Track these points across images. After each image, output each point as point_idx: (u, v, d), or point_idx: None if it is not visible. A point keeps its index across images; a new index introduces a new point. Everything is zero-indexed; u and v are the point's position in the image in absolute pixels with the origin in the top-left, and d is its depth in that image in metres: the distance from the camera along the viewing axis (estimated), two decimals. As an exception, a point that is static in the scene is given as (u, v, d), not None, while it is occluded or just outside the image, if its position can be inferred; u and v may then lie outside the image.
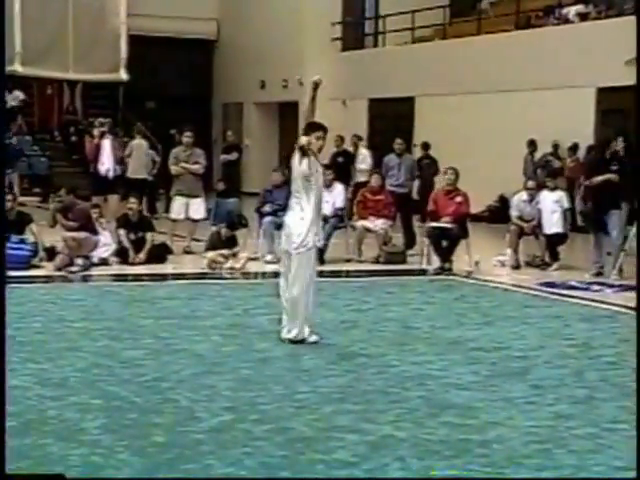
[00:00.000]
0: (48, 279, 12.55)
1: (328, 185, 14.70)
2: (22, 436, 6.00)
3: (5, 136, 22.70)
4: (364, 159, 19.74)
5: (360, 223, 14.68)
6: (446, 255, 13.75)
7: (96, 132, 20.02)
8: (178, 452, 5.78)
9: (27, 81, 24.90)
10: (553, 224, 14.21)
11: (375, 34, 25.91)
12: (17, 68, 22.81)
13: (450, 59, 22.09)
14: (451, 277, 13.40)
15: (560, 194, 14.45)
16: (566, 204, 14.39)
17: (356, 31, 26.38)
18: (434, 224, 13.87)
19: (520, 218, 14.48)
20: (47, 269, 13.01)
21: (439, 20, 24.17)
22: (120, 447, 5.83)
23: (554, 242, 14.23)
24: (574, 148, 18.53)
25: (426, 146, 19.77)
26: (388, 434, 6.18)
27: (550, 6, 20.85)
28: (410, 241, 15.39)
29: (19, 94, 24.65)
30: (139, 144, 18.69)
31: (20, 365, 7.79)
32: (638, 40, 11.27)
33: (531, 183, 14.87)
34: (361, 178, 18.60)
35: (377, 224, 14.57)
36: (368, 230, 14.68)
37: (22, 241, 13.07)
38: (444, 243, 13.79)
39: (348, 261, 14.52)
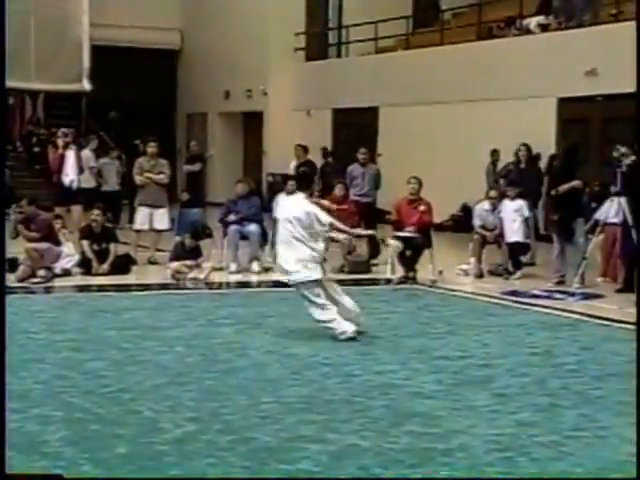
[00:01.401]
0: (10, 290, 12.45)
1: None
2: (-17, 449, 5.95)
3: None
4: None
5: (324, 233, 14.67)
6: (410, 264, 13.79)
7: (60, 142, 19.89)
8: (141, 464, 5.76)
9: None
10: (514, 233, 14.32)
11: (339, 44, 26.00)
12: (-22, 78, 22.64)
13: (413, 69, 22.21)
14: (415, 286, 13.45)
15: (520, 203, 14.56)
16: (526, 213, 14.51)
17: (320, 41, 26.46)
18: (398, 233, 13.91)
19: (483, 227, 14.58)
20: (9, 280, 12.90)
21: (402, 30, 24.30)
22: (82, 459, 5.80)
23: (516, 251, 14.34)
24: (536, 158, 18.66)
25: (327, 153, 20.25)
26: (352, 443, 6.19)
27: (512, 17, 21.02)
28: (374, 250, 15.42)
29: None
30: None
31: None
32: (638, 42, 11.36)
33: (493, 192, 14.99)
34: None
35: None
36: (332, 239, 14.66)
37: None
38: (408, 252, 13.84)
39: (312, 271, 14.50)
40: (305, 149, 19.85)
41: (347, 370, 8.30)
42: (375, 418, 6.77)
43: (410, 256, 13.84)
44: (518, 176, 15.73)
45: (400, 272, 13.87)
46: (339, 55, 25.95)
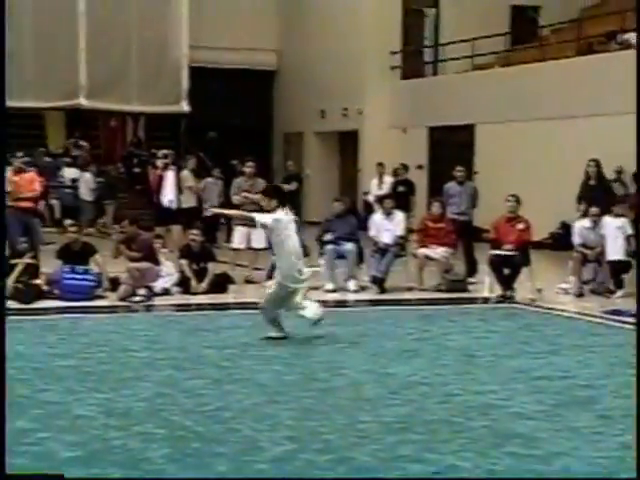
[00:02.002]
0: (112, 309, 12.70)
1: (388, 213, 14.74)
2: (88, 466, 6.06)
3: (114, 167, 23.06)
4: (388, 187, 19.84)
5: (421, 251, 14.64)
6: (508, 283, 13.64)
7: (159, 163, 20.27)
8: (241, 482, 5.79)
9: (92, 114, 25.32)
10: (616, 251, 14.04)
11: (435, 62, 25.93)
12: (82, 102, 23.21)
13: (511, 86, 22.00)
14: (514, 305, 13.27)
15: (623, 220, 14.28)
16: (629, 230, 14.21)
17: (416, 59, 26.42)
18: (496, 252, 13.78)
19: (583, 245, 14.33)
20: (111, 299, 13.16)
21: (500, 47, 24.11)
22: (184, 477, 5.85)
23: (618, 269, 14.05)
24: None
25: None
26: (452, 464, 6.12)
27: (612, 32, 20.68)
28: (472, 269, 15.30)
29: (83, 144, 25.18)
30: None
31: (85, 394, 7.87)
32: (638, 45, 11.11)
33: (594, 209, 14.71)
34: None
35: (438, 252, 14.52)
36: (429, 258, 14.63)
37: (86, 272, 13.24)
38: (506, 271, 13.69)
39: (409, 289, 14.47)
40: (405, 167, 19.97)
41: (446, 390, 8.22)
42: (475, 439, 6.68)
43: (508, 274, 13.69)
44: (587, 192, 15.47)
45: (498, 291, 13.72)
46: (435, 73, 25.87)
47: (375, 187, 20.25)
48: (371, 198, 19.33)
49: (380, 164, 20.91)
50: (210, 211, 12.75)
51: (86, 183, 22.76)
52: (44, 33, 22.44)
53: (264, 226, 10.48)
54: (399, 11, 25.55)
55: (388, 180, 20.27)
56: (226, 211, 12.19)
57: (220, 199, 19.10)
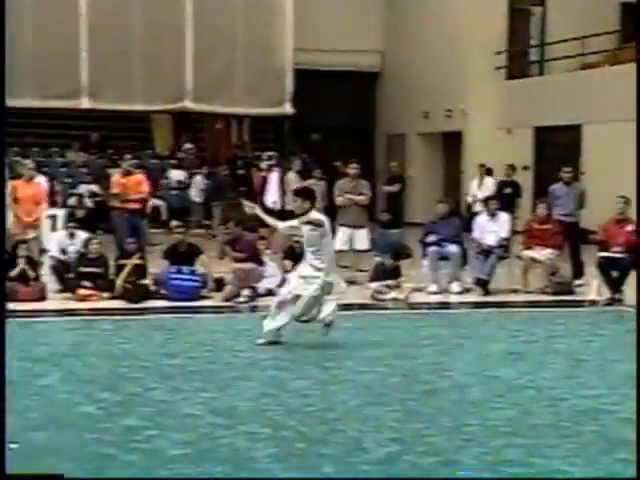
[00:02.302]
0: (217, 310, 12.85)
1: (493, 215, 14.59)
2: (196, 464, 6.15)
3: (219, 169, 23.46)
4: (488, 188, 19.44)
5: (526, 253, 14.45)
6: (617, 285, 13.37)
7: (263, 165, 20.44)
8: (346, 483, 5.80)
9: (197, 116, 25.68)
10: None
11: (541, 61, 25.55)
12: (188, 105, 23.56)
13: (620, 85, 21.51)
14: (622, 308, 13.00)
15: None
16: None
17: (521, 59, 26.09)
18: (605, 254, 13.52)
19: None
20: (216, 300, 13.32)
21: (608, 46, 23.62)
22: (290, 477, 5.89)
23: None
24: None
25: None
26: (559, 469, 6.03)
27: None
28: (578, 271, 15.03)
29: (189, 146, 25.58)
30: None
31: (192, 394, 7.99)
32: (638, 37, 10.72)
33: None
34: (478, 208, 18.33)
35: (544, 254, 14.31)
36: (534, 260, 14.43)
37: (192, 272, 13.43)
38: (614, 273, 13.42)
39: (514, 292, 14.30)
40: (513, 168, 19.73)
41: (553, 394, 8.10)
42: (584, 444, 6.56)
43: (617, 277, 13.42)
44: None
45: (606, 293, 13.46)
46: (541, 73, 25.49)
47: (475, 188, 20.01)
48: (470, 199, 19.08)
49: (482, 165, 20.70)
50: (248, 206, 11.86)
51: (197, 185, 23.12)
52: (152, 37, 22.84)
53: (317, 226, 10.07)
54: (504, 10, 25.26)
55: (489, 181, 20.03)
56: (260, 213, 11.30)
57: (323, 201, 19.15)
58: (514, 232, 15.65)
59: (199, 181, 23.22)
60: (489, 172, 20.44)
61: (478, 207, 18.42)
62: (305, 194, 10.48)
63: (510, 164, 19.75)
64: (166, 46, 23.05)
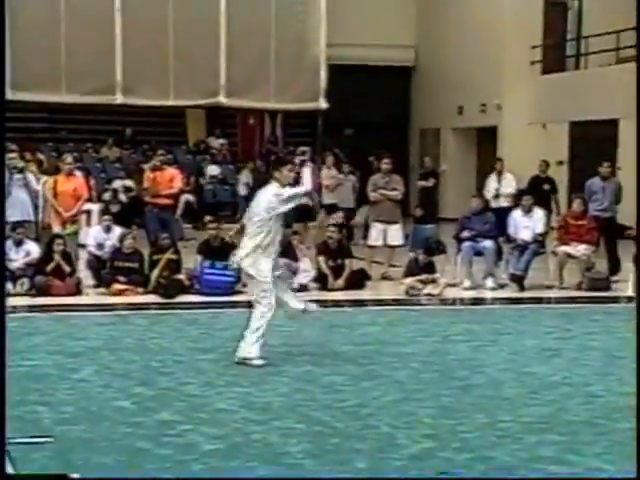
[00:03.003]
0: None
1: (528, 210, 14.49)
2: (229, 458, 6.15)
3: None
4: (509, 183, 19.03)
5: (562, 249, 14.34)
6: (654, 281, 13.23)
7: (296, 160, 20.42)
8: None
9: (231, 112, 25.73)
10: None
11: (577, 56, 25.35)
12: (222, 100, 23.56)
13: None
14: (659, 305, 12.87)
15: None
16: None
17: (557, 53, 25.88)
18: (641, 250, 13.38)
19: None
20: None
21: (646, 39, 23.37)
22: (324, 472, 5.88)
23: None
24: None
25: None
26: (595, 467, 5.99)
27: None
28: (614, 267, 14.90)
29: (221, 141, 25.74)
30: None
31: (226, 388, 8.00)
32: (638, 37, 10.57)
33: None
34: (504, 203, 18.10)
35: (579, 249, 14.19)
36: (570, 256, 14.32)
37: (226, 267, 13.43)
38: (651, 269, 13.28)
39: (549, 287, 14.20)
40: (547, 164, 19.48)
41: (588, 390, 8.04)
42: (620, 442, 6.50)
43: (654, 273, 13.28)
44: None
45: (643, 289, 13.32)
46: (577, 67, 25.30)
47: (493, 183, 19.40)
48: (488, 194, 18.55)
49: (499, 159, 20.37)
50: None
51: (242, 179, 23.49)
52: (186, 32, 22.89)
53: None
54: (540, 4, 25.07)
55: (509, 176, 19.61)
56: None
57: (354, 195, 19.15)
58: (550, 228, 15.54)
59: (246, 175, 23.47)
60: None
61: (503, 202, 18.20)
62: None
63: (544, 160, 19.54)
64: (200, 41, 23.08)
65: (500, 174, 19.01)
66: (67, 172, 14.57)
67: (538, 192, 16.86)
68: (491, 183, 19.32)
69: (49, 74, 22.05)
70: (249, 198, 23.00)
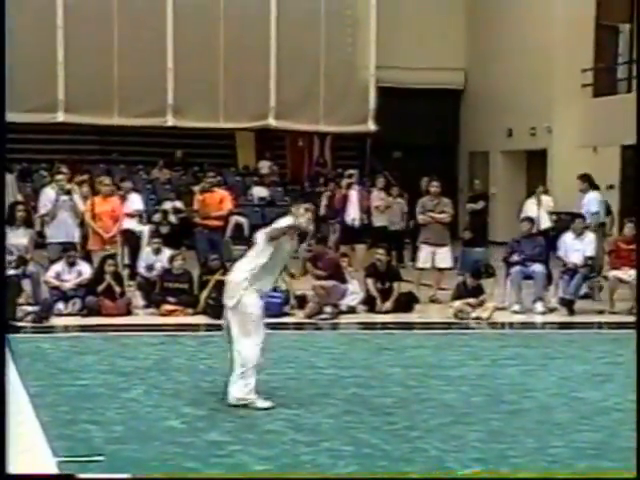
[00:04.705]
0: (299, 326, 12.88)
1: (579, 234, 14.39)
2: None
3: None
4: (589, 203, 18.22)
5: (613, 273, 14.20)
6: None
7: (344, 182, 20.48)
8: (429, 503, 5.76)
9: (280, 134, 25.86)
10: None
11: (629, 78, 25.15)
12: (271, 122, 23.72)
13: None
14: None
15: None
16: None
17: (609, 76, 25.71)
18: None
19: None
20: (298, 316, 13.35)
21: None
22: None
23: None
24: None
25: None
26: (648, 494, 5.89)
27: None
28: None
29: (267, 163, 25.86)
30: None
31: (274, 410, 8.00)
32: (638, 46, 10.38)
33: None
34: (544, 225, 17.49)
35: (631, 274, 14.05)
36: (621, 281, 14.18)
37: (274, 289, 13.45)
38: None
39: (600, 312, 14.06)
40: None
41: (640, 417, 7.93)
42: (673, 469, 6.40)
43: None
44: None
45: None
46: (629, 90, 25.09)
47: (533, 208, 18.76)
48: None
49: (541, 184, 20.03)
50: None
51: None
52: (236, 54, 23.08)
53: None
54: (591, 27, 24.91)
55: (547, 199, 19.08)
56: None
57: (403, 220, 19.09)
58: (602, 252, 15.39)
59: None
60: (546, 192, 19.72)
61: (544, 224, 17.69)
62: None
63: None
64: (250, 64, 23.27)
65: (539, 198, 18.53)
66: (105, 194, 14.64)
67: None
68: (530, 208, 18.56)
69: (101, 96, 22.35)
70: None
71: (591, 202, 16.24)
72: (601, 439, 7.22)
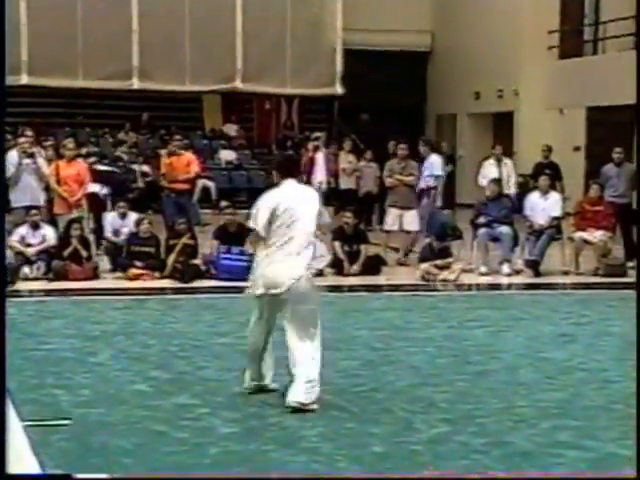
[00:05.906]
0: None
1: (544, 192, 14.48)
2: (246, 442, 6.19)
3: None
4: (432, 166, 17.83)
5: (578, 235, 14.30)
6: (670, 268, 13.19)
7: (310, 146, 20.43)
8: (396, 462, 5.81)
9: (247, 97, 25.75)
10: None
11: (595, 41, 25.20)
12: (238, 85, 23.61)
13: (674, 64, 21.19)
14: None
15: None
16: None
17: (574, 38, 25.74)
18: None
19: None
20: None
21: (663, 24, 23.22)
22: (339, 456, 5.91)
23: None
24: None
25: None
26: (611, 452, 5.99)
27: None
28: (631, 253, 14.85)
29: (234, 126, 25.82)
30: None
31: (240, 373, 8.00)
32: (637, 45, 10.47)
33: None
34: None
35: (596, 235, 14.16)
36: (586, 242, 14.29)
37: (242, 252, 13.45)
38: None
39: (565, 273, 14.18)
40: (549, 149, 19.04)
41: (604, 376, 8.03)
42: (636, 427, 6.49)
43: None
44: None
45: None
46: (595, 52, 25.16)
47: (492, 170, 18.45)
48: (483, 182, 17.48)
49: (493, 146, 19.97)
50: None
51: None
52: (202, 17, 22.90)
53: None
54: (557, -11, 24.95)
55: (509, 162, 18.89)
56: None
57: (376, 184, 19.05)
58: (566, 214, 15.49)
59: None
60: (505, 154, 19.44)
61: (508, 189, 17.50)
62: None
63: (547, 145, 19.07)
64: (216, 26, 23.11)
65: (499, 160, 18.28)
66: (69, 158, 14.48)
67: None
68: (489, 170, 18.26)
69: (65, 59, 22.13)
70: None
71: (434, 165, 16.07)
72: (565, 398, 7.30)
